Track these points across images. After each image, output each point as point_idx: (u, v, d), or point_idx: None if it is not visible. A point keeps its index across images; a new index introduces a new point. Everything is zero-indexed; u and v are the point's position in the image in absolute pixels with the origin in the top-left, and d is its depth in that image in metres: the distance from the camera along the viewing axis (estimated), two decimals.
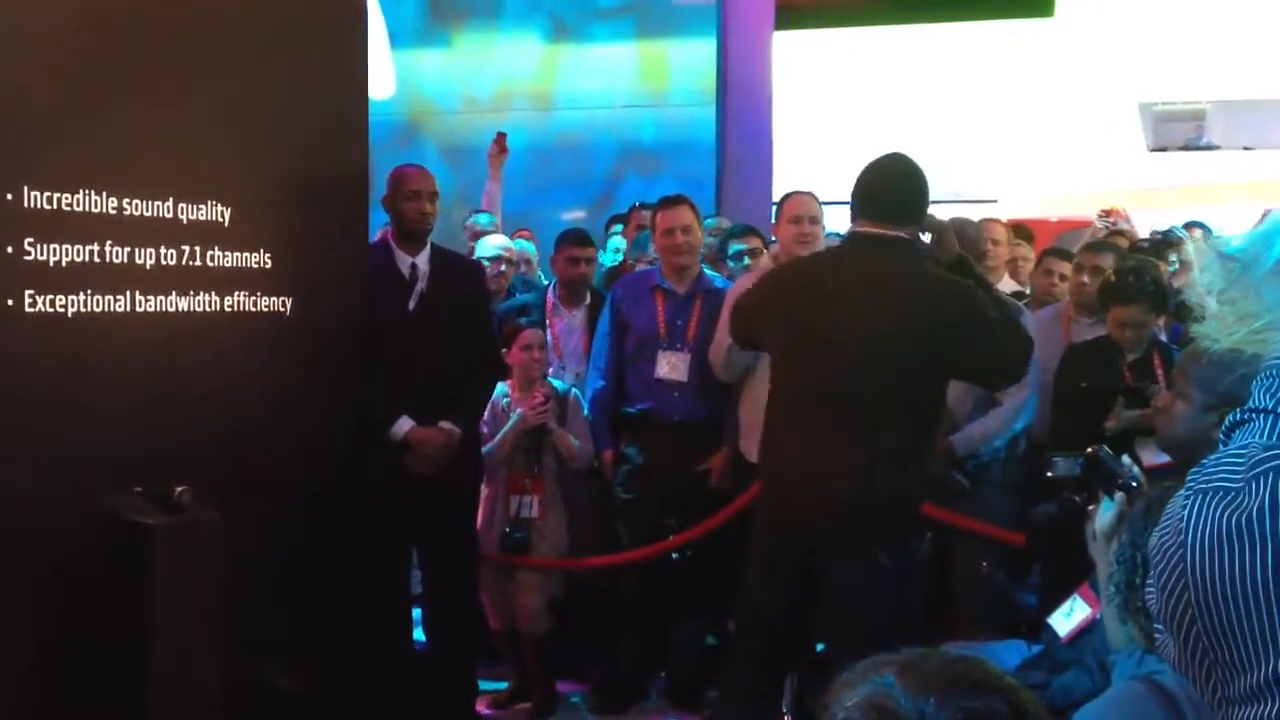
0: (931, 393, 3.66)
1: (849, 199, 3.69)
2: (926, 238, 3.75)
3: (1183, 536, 1.07)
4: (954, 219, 5.04)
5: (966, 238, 4.78)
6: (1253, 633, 1.00)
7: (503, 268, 5.76)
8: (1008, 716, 1.15)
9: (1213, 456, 1.17)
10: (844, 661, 3.51)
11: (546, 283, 6.07)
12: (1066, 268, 5.70)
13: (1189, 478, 1.12)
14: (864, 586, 3.53)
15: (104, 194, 3.25)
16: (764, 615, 3.72)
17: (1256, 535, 1.01)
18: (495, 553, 4.97)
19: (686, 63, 8.96)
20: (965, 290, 3.61)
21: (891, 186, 3.67)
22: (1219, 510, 1.05)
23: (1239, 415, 1.29)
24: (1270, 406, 1.25)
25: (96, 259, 3.23)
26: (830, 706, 1.24)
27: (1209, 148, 16.98)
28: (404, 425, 4.43)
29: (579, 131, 9.13)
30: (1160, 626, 1.15)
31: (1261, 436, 1.22)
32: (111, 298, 3.27)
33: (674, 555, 4.97)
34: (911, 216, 3.65)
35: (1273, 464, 1.02)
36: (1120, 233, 6.30)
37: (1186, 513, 1.08)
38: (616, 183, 8.95)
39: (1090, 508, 2.85)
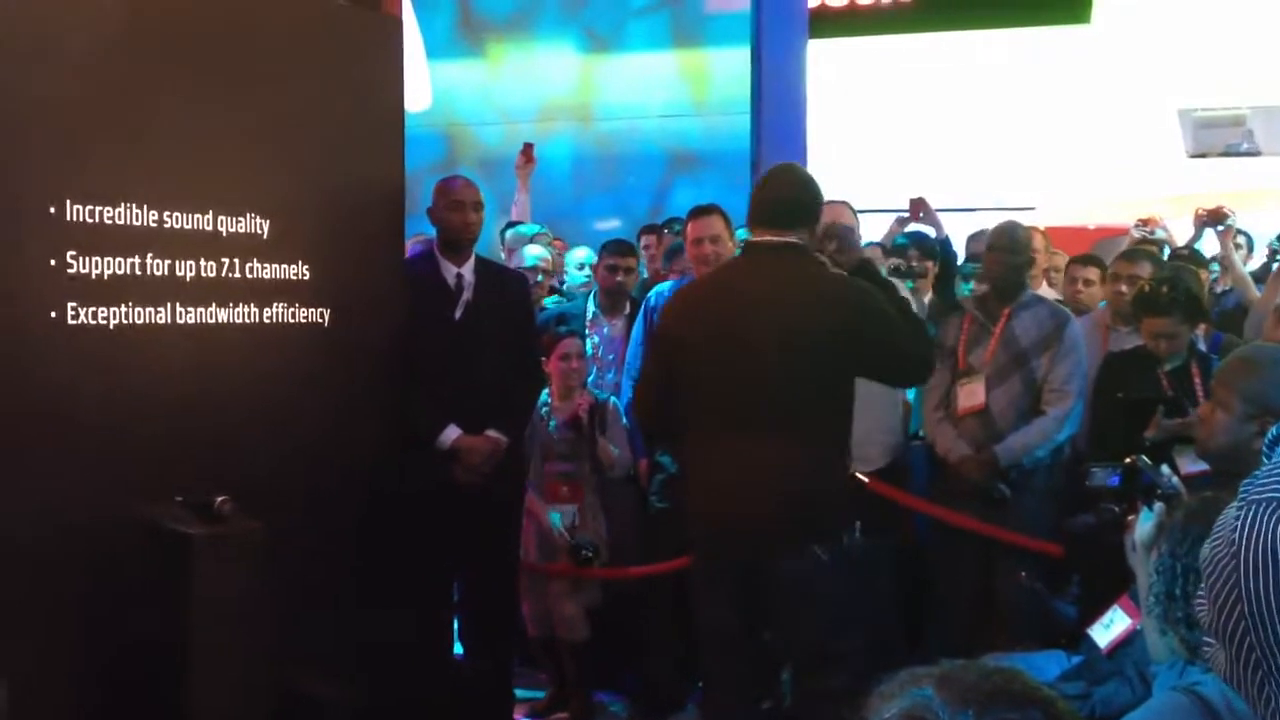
0: (845, 388, 3.74)
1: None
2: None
3: (1236, 548, 1.07)
4: (1006, 222, 5.04)
5: (1017, 241, 4.77)
6: None
7: (540, 278, 5.79)
8: None
9: (1265, 468, 1.16)
10: (807, 664, 3.54)
11: (581, 291, 6.10)
12: (1092, 273, 5.68)
13: (1241, 489, 1.11)
14: (808, 584, 3.59)
15: (145, 207, 3.30)
16: (722, 634, 3.75)
17: None
18: (537, 561, 4.99)
19: (721, 71, 8.97)
20: (862, 290, 3.73)
21: (782, 194, 3.76)
22: (1273, 522, 1.04)
23: None
24: None
25: (138, 271, 3.28)
26: (868, 718, 1.24)
27: (1250, 153, 16.83)
28: (451, 434, 4.45)
29: (614, 141, 9.16)
30: (1210, 638, 1.15)
31: None
32: (152, 309, 3.31)
33: None
34: (804, 222, 3.73)
35: None
36: (1154, 241, 6.25)
37: (1240, 524, 1.07)
38: (652, 192, 8.97)
39: (1130, 518, 2.84)
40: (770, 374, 3.58)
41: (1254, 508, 1.07)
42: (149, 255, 3.30)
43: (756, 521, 3.59)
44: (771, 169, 3.94)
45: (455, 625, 4.90)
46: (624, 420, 5.19)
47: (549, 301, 6.01)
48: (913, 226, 6.15)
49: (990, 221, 5.66)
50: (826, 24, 10.38)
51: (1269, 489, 1.07)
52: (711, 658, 3.85)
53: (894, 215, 6.16)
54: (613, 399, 5.24)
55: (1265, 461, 1.28)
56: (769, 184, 3.82)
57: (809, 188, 3.80)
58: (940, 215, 6.30)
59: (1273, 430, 1.29)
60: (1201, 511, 2.22)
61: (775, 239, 3.69)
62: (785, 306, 3.61)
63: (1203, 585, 1.16)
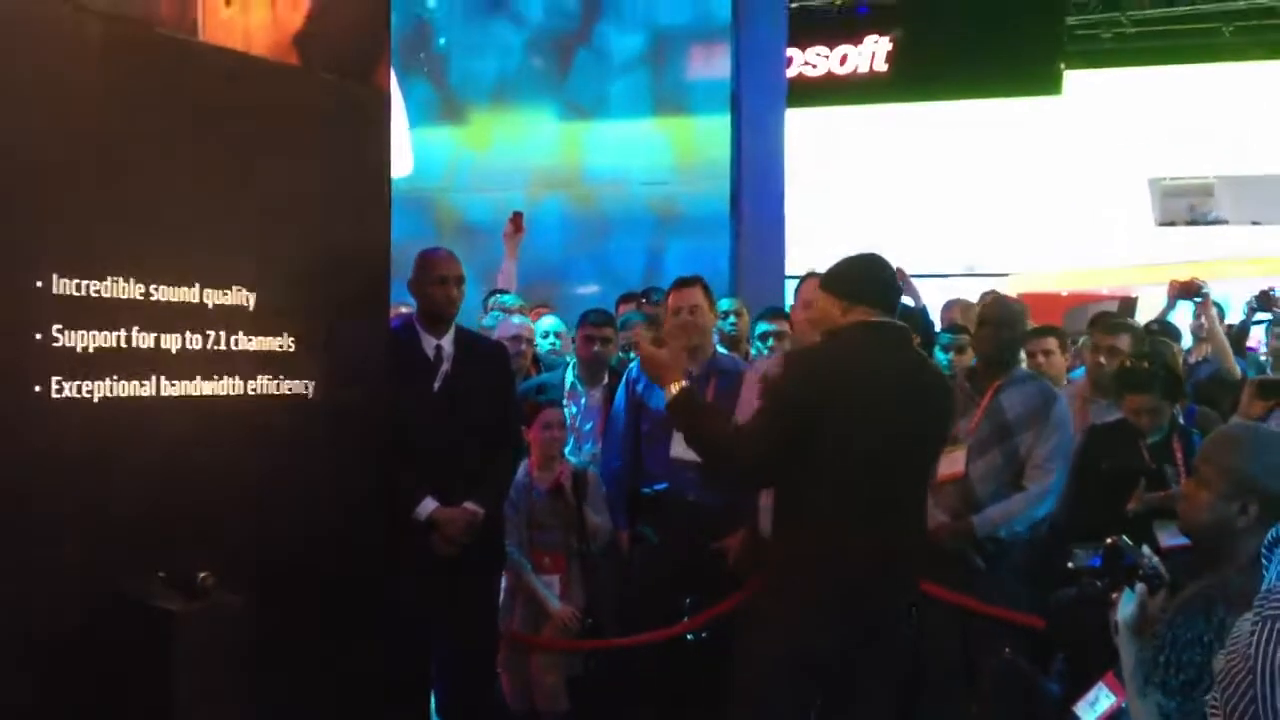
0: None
1: (839, 290, 3.77)
2: None
3: (1252, 663, 1.09)
4: (997, 295, 5.09)
5: (1010, 315, 4.82)
6: None
7: (522, 346, 5.80)
8: None
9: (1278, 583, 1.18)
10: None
11: (554, 359, 6.12)
12: (1051, 344, 5.72)
13: (1256, 604, 1.13)
14: (899, 663, 3.75)
15: (131, 280, 3.28)
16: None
17: None
18: (520, 630, 4.97)
19: (701, 140, 9.06)
20: (947, 377, 4.04)
21: (882, 275, 3.83)
22: None
23: None
24: None
25: (123, 344, 3.26)
26: None
27: (1216, 222, 17.08)
28: (428, 506, 4.44)
29: (596, 207, 9.22)
30: None
31: None
32: (138, 383, 3.29)
33: (689, 636, 4.94)
34: (896, 306, 3.91)
35: None
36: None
37: (1256, 639, 1.09)
38: (633, 258, 9.02)
39: (1114, 595, 2.85)
40: (908, 460, 3.72)
41: (1269, 623, 1.08)
42: (135, 328, 3.28)
43: (889, 616, 3.71)
44: (864, 255, 3.90)
45: (433, 699, 4.86)
46: (603, 489, 5.18)
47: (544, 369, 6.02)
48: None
49: (964, 288, 5.73)
50: (804, 93, 10.50)
51: None
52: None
53: None
54: (591, 468, 5.24)
55: (1265, 564, 1.30)
56: (870, 266, 3.83)
57: (894, 272, 3.96)
58: (915, 282, 6.38)
59: (1272, 532, 1.31)
60: (1205, 592, 2.26)
61: (888, 320, 3.76)
62: (915, 391, 3.73)
63: (1214, 693, 1.17)
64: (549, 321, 6.47)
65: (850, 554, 3.58)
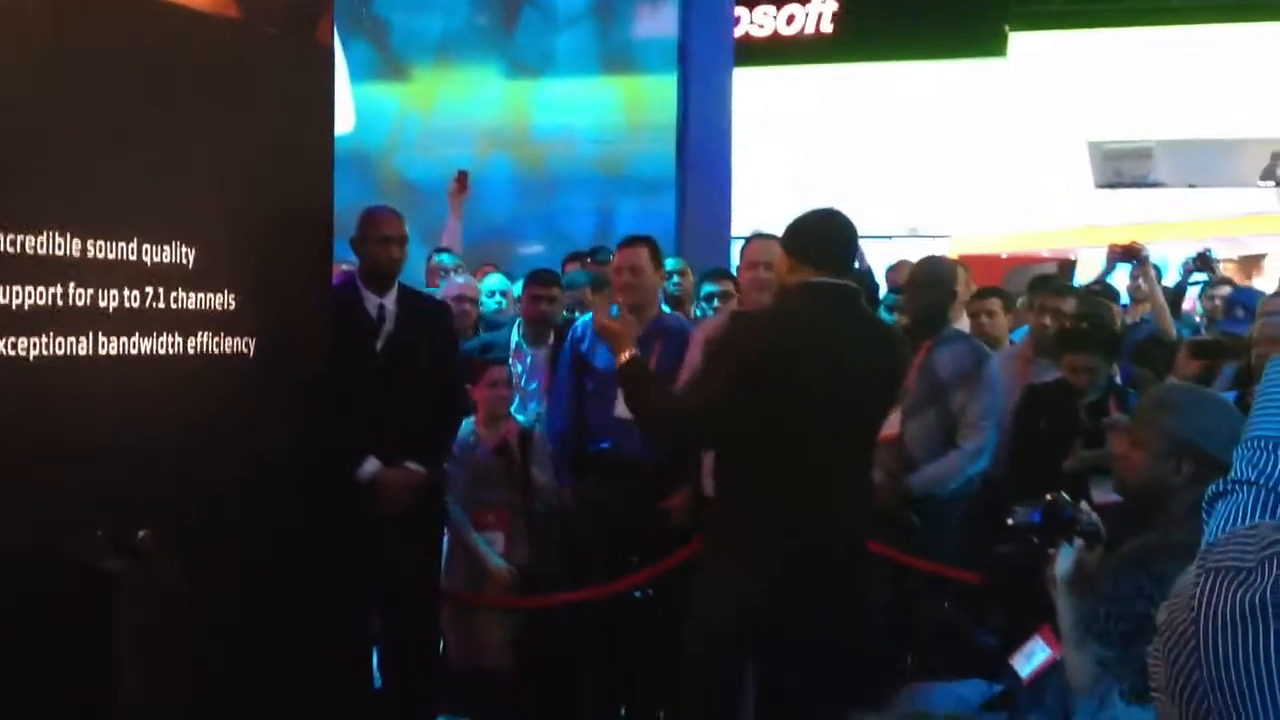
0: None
1: (791, 249, 3.76)
2: None
3: (1194, 614, 1.11)
4: (929, 257, 5.12)
5: (939, 276, 4.85)
6: (1264, 710, 1.04)
7: (466, 306, 5.77)
8: None
9: (1223, 536, 1.20)
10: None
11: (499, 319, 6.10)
12: (994, 304, 5.79)
13: (1200, 557, 1.15)
14: (864, 627, 3.79)
15: (67, 235, 3.23)
16: (733, 688, 3.76)
17: (1270, 615, 1.04)
18: (464, 590, 4.98)
19: (648, 98, 9.02)
20: (906, 341, 3.99)
21: (837, 234, 3.79)
22: (1232, 589, 1.08)
23: (1221, 486, 1.33)
24: (1253, 478, 1.29)
25: (59, 301, 3.21)
26: None
27: (1155, 185, 17.25)
28: (371, 466, 4.42)
29: (543, 166, 9.17)
30: (1162, 695, 1.18)
31: (1247, 508, 1.26)
32: (74, 340, 3.24)
33: (636, 594, 4.96)
34: (851, 265, 3.89)
35: None
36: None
37: (1199, 591, 1.11)
38: (580, 217, 8.99)
39: (1050, 551, 2.90)
40: (853, 421, 3.70)
41: (1212, 575, 1.11)
42: (71, 285, 3.23)
43: (841, 556, 3.68)
44: (820, 212, 3.84)
45: (375, 658, 4.86)
46: (549, 448, 5.18)
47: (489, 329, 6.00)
48: None
49: (906, 250, 5.76)
50: (751, 53, 10.47)
51: (1227, 558, 1.11)
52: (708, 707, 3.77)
53: None
54: (537, 427, 5.23)
55: (1206, 519, 1.32)
56: (825, 225, 3.78)
57: (855, 230, 3.88)
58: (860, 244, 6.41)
59: (1210, 489, 1.33)
60: (1143, 547, 2.30)
61: (838, 281, 3.72)
62: (862, 353, 3.69)
63: (1155, 644, 1.20)
64: (494, 280, 6.44)
65: (796, 517, 3.59)
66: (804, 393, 3.58)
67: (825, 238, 3.75)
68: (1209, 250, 7.52)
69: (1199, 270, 7.31)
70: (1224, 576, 1.09)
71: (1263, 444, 1.32)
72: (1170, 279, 7.99)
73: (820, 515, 3.61)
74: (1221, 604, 1.08)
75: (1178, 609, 1.15)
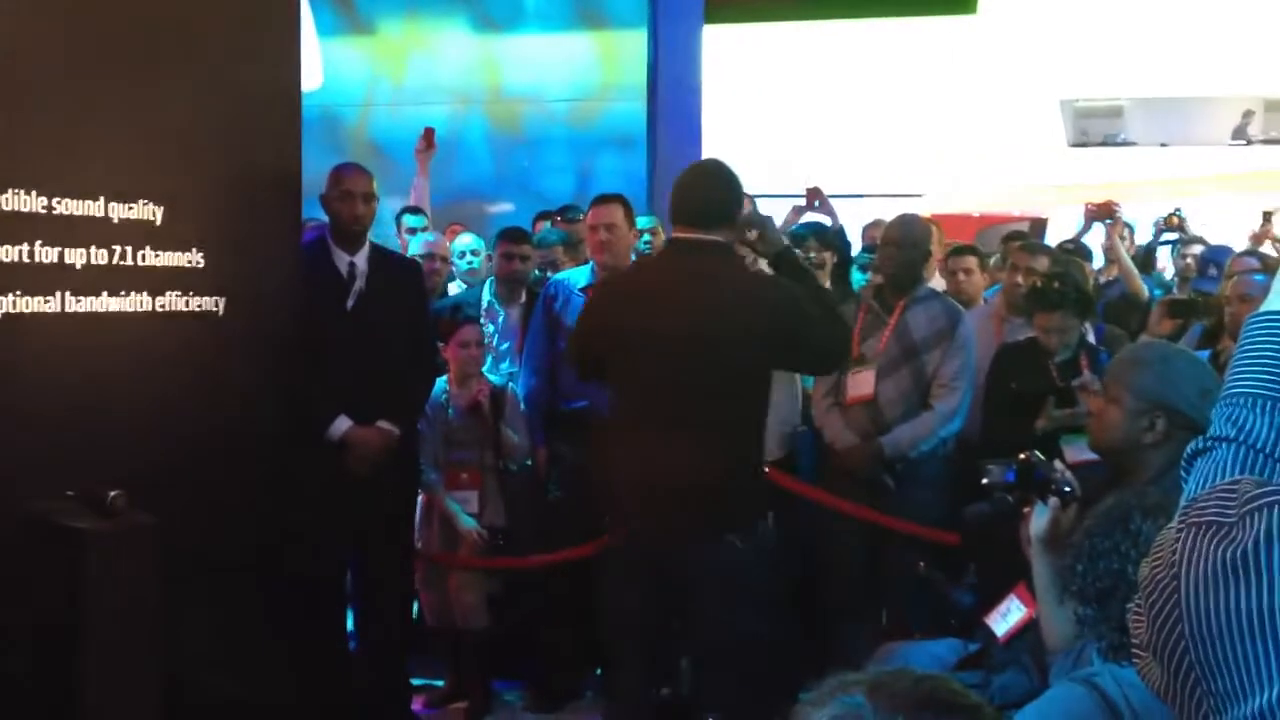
0: (761, 383, 3.80)
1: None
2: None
3: (1176, 569, 1.10)
4: (902, 215, 5.10)
5: (912, 234, 4.84)
6: (1247, 664, 1.04)
7: (436, 265, 5.73)
8: None
9: (1204, 491, 1.19)
10: (725, 648, 3.57)
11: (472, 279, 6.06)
12: (971, 263, 5.80)
13: (1181, 512, 1.15)
14: (723, 573, 3.65)
15: (33, 193, 3.19)
16: (632, 623, 3.80)
17: (1251, 570, 1.04)
18: (433, 550, 4.96)
19: (617, 56, 8.94)
20: (781, 287, 3.79)
21: (704, 193, 3.77)
22: (1213, 545, 1.07)
23: (1201, 443, 1.32)
24: (1232, 435, 1.28)
25: (26, 259, 3.18)
26: None
27: (1126, 144, 17.32)
28: (342, 425, 4.40)
29: (510, 124, 9.09)
30: (1143, 651, 1.18)
31: (1227, 465, 1.25)
32: (41, 298, 3.21)
33: None
34: (726, 220, 3.76)
35: (1266, 500, 1.05)
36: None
37: (1180, 546, 1.11)
38: (548, 176, 8.92)
39: (1025, 510, 2.91)
40: (689, 371, 3.62)
41: (1194, 530, 1.10)
42: (37, 243, 3.19)
43: (675, 513, 3.62)
44: (694, 166, 3.92)
45: (350, 617, 4.85)
46: (522, 408, 5.17)
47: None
48: (808, 215, 6.21)
49: (879, 209, 5.75)
50: (721, 10, 10.39)
51: (1208, 513, 1.10)
52: (619, 646, 3.88)
53: (785, 201, 6.21)
54: (511, 386, 5.21)
55: (1183, 476, 1.32)
56: (691, 182, 3.80)
57: (732, 185, 3.80)
58: (832, 202, 6.40)
59: (1190, 446, 1.33)
60: (1122, 503, 2.30)
61: (698, 237, 3.70)
62: (705, 305, 3.63)
63: (1136, 600, 1.19)
64: (467, 240, 6.39)
65: (631, 462, 3.69)
66: (631, 346, 3.70)
67: (685, 196, 3.78)
68: (1178, 210, 7.55)
69: (1169, 230, 7.34)
70: (1206, 531, 1.09)
71: (1242, 400, 1.32)
72: (1141, 237, 8.02)
73: (649, 462, 3.64)
74: (1203, 559, 1.08)
75: (1159, 564, 1.14)
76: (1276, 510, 1.04)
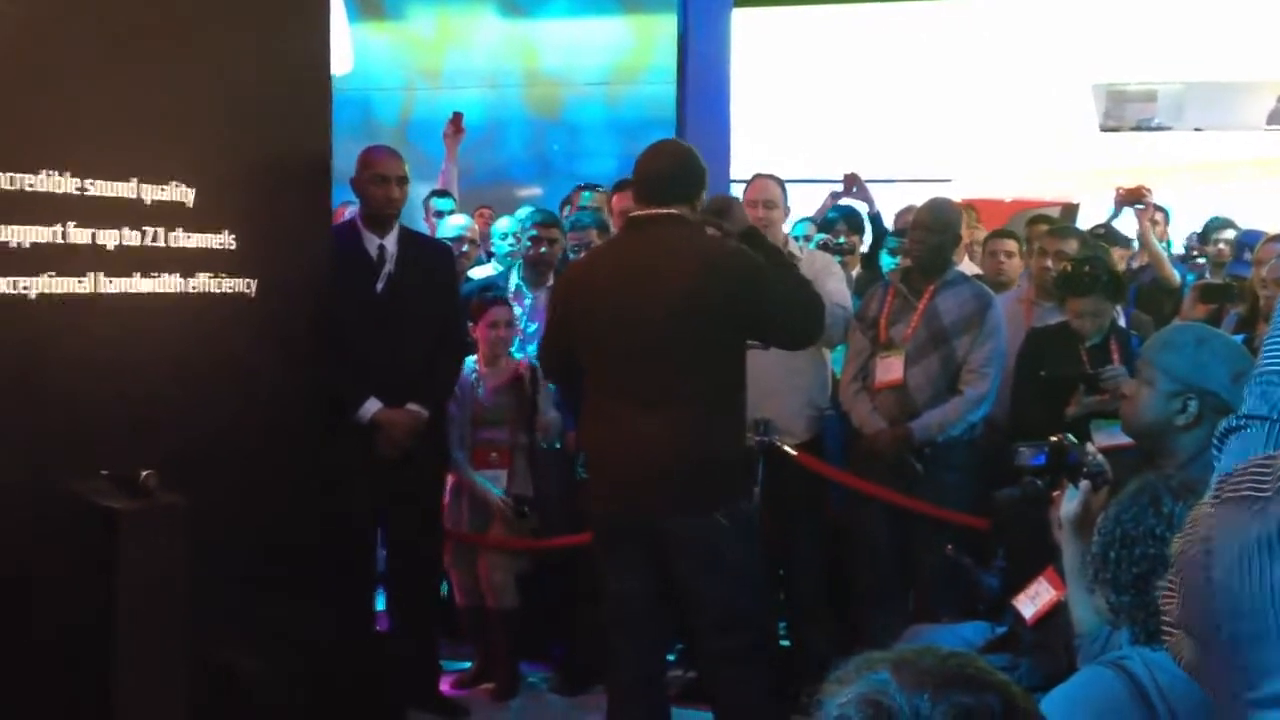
0: (734, 354, 3.79)
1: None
2: None
3: (1209, 545, 1.09)
4: (933, 199, 5.08)
5: (943, 218, 4.81)
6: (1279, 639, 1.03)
7: (465, 248, 5.75)
8: (1000, 713, 1.17)
9: (1238, 466, 1.19)
10: (713, 626, 3.57)
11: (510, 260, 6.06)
12: (1011, 246, 5.76)
13: (1215, 487, 1.14)
14: (709, 548, 3.65)
15: (66, 174, 3.22)
16: (627, 607, 3.80)
17: None
18: (469, 529, 4.99)
19: (647, 40, 8.92)
20: (741, 254, 3.77)
21: (661, 169, 3.80)
22: (1247, 519, 1.07)
23: (1234, 422, 1.32)
24: (1265, 413, 1.28)
25: (59, 240, 3.21)
26: (823, 703, 1.25)
27: (1160, 128, 17.15)
28: (371, 407, 4.42)
29: (538, 108, 9.09)
30: (1173, 629, 1.17)
31: (1261, 442, 1.25)
32: (75, 280, 3.24)
33: None
34: (684, 196, 3.76)
35: None
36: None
37: (1214, 521, 1.10)
38: (577, 160, 8.92)
39: (1055, 493, 2.89)
40: (657, 344, 3.64)
41: (1228, 505, 1.09)
42: (71, 224, 3.22)
43: (651, 496, 3.64)
44: (651, 145, 3.95)
45: (381, 597, 4.88)
46: (551, 388, 5.18)
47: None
48: (845, 200, 6.20)
49: (909, 193, 5.72)
50: None
51: (1243, 487, 1.09)
52: (614, 630, 3.87)
53: (816, 185, 6.19)
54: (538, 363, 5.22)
55: (1216, 454, 1.31)
56: (648, 160, 3.84)
57: (688, 161, 3.82)
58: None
59: (1223, 424, 1.32)
60: (1152, 485, 2.28)
61: (655, 212, 3.73)
62: (668, 277, 3.64)
63: (1169, 577, 1.18)
64: (505, 223, 6.40)
65: (609, 441, 3.73)
66: (591, 325, 3.75)
67: (641, 173, 3.82)
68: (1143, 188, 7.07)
69: (1130, 202, 6.82)
70: (1240, 506, 1.08)
71: (1275, 379, 1.31)
72: (1176, 225, 7.86)
73: (623, 438, 3.67)
74: (1237, 534, 1.07)
75: (1192, 540, 1.13)
76: None
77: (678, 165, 3.80)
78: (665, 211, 3.71)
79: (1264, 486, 1.07)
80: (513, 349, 5.24)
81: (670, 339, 3.63)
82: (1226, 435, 1.30)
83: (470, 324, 5.01)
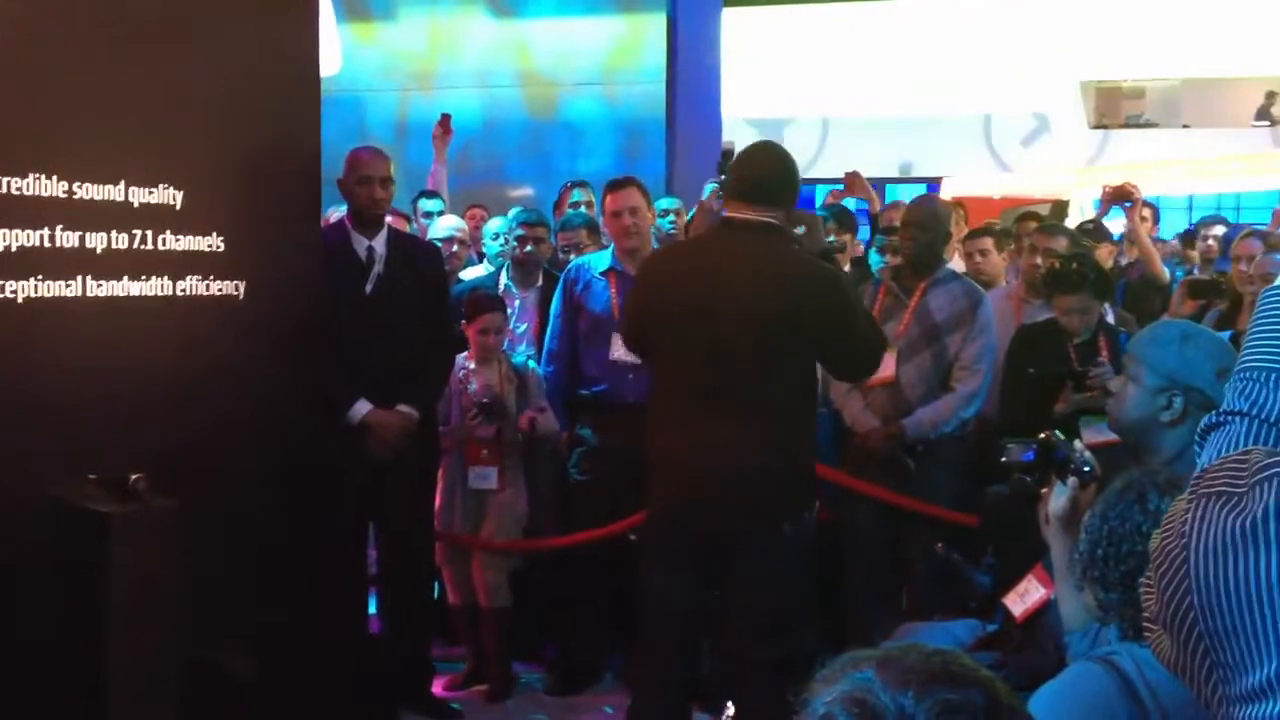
0: (810, 369, 3.79)
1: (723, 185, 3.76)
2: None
3: (1186, 540, 1.10)
4: (923, 197, 5.10)
5: (933, 217, 4.83)
6: (1257, 634, 1.03)
7: (455, 248, 5.75)
8: (984, 708, 1.17)
9: (1214, 462, 1.19)
10: (755, 635, 3.52)
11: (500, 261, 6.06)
12: (987, 243, 5.78)
13: (1191, 482, 1.14)
14: (772, 558, 3.65)
15: (54, 177, 3.20)
16: (671, 608, 3.78)
17: (1261, 539, 1.03)
18: (456, 531, 4.98)
19: (636, 39, 8.93)
20: (835, 278, 3.78)
21: (765, 172, 3.75)
22: (1223, 515, 1.07)
23: (1215, 418, 1.32)
24: (1245, 409, 1.28)
25: (47, 243, 3.19)
26: (809, 701, 1.25)
27: (1149, 125, 17.20)
28: (362, 408, 4.42)
29: (528, 108, 9.09)
30: (1153, 625, 1.18)
31: (1240, 438, 1.25)
32: (63, 283, 3.23)
33: (632, 536, 4.96)
34: (782, 202, 3.74)
35: (1276, 470, 1.05)
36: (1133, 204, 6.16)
37: (1190, 517, 1.10)
38: (566, 159, 8.91)
39: (1044, 491, 2.90)
40: (743, 350, 3.59)
41: (1204, 500, 1.09)
42: (58, 227, 3.21)
43: (723, 501, 3.60)
44: (752, 146, 3.89)
45: (372, 598, 4.88)
46: (544, 385, 5.17)
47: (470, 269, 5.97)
48: (847, 199, 6.22)
49: (900, 192, 5.73)
50: None
51: (1218, 483, 1.10)
52: (653, 625, 3.84)
53: (806, 186, 6.19)
54: (531, 363, 5.22)
55: (1197, 450, 1.32)
56: (751, 161, 3.78)
57: (790, 169, 3.78)
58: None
59: (1204, 420, 1.33)
60: (1138, 481, 2.28)
61: (754, 217, 3.67)
62: (760, 285, 3.61)
63: (1147, 574, 1.19)
64: (496, 224, 6.40)
65: (674, 448, 3.68)
66: (674, 326, 3.68)
67: (744, 174, 3.76)
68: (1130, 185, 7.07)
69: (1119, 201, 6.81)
70: (1216, 501, 1.08)
71: (1255, 375, 1.32)
72: (1168, 224, 7.91)
73: (689, 447, 3.63)
74: (1213, 529, 1.07)
75: (1169, 536, 1.14)
76: None
77: (782, 170, 3.75)
78: (764, 219, 3.67)
79: (1239, 482, 1.07)
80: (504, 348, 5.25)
81: (757, 346, 3.59)
82: (1208, 431, 1.31)
83: (463, 322, 5.01)
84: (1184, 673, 1.13)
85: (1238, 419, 1.28)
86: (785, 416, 3.67)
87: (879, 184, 12.27)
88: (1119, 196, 6.18)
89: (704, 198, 6.08)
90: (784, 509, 3.66)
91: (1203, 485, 1.11)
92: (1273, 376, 1.29)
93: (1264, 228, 6.30)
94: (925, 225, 4.77)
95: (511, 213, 6.13)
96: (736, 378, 3.61)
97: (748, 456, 3.57)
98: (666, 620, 3.80)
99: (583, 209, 6.33)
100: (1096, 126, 16.89)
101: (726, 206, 3.79)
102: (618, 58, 8.95)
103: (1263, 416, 1.27)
